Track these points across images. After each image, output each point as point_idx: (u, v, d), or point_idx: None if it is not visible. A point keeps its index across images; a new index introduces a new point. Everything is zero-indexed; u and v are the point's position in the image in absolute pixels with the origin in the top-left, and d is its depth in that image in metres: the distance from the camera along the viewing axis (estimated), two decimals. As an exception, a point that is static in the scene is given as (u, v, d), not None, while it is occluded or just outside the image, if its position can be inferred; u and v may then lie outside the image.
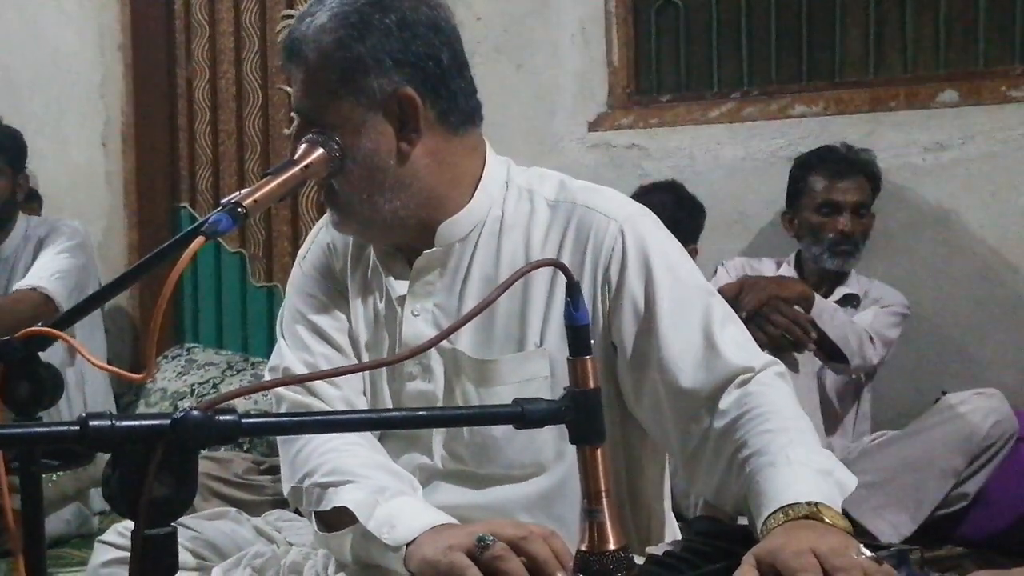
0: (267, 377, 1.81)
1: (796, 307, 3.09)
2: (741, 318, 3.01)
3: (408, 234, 1.68)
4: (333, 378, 1.70)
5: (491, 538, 1.38)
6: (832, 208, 3.40)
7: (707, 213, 3.83)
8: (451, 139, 1.66)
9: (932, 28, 3.80)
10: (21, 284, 3.70)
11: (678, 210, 3.50)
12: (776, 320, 3.03)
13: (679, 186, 3.76)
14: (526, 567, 1.36)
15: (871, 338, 3.22)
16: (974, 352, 3.66)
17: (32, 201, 4.32)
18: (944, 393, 3.54)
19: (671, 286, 1.62)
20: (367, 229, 1.69)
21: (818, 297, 3.17)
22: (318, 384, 1.70)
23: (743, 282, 3.16)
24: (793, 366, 3.09)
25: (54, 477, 3.53)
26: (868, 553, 1.25)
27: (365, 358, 1.74)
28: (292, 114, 1.69)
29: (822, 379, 3.31)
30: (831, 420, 3.33)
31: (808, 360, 3.13)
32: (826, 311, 3.15)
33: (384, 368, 1.72)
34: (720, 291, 3.11)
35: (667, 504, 1.79)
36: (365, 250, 1.76)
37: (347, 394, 1.71)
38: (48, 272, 3.73)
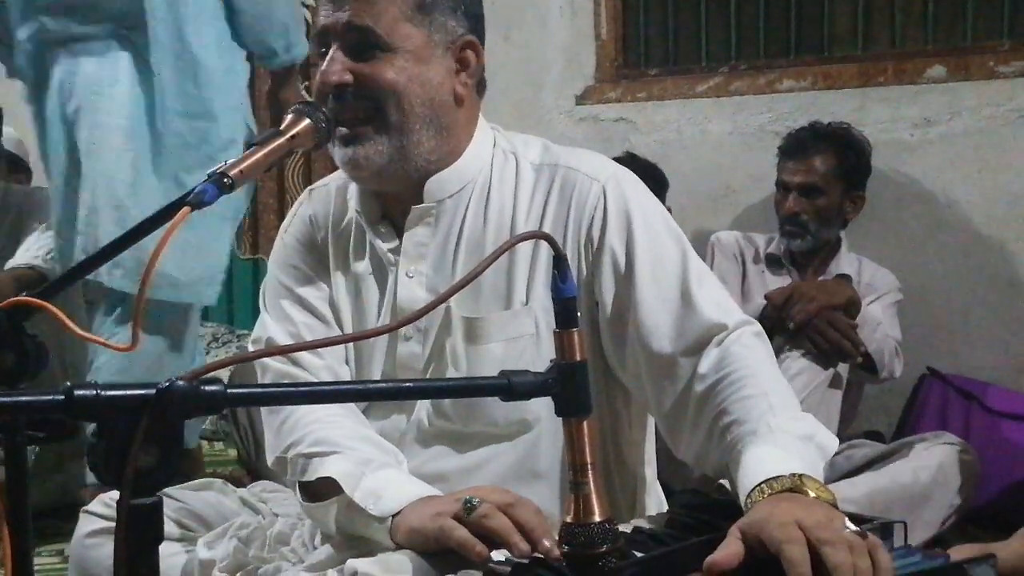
0: (250, 349, 1.81)
1: (844, 315, 3.08)
2: (789, 328, 3.03)
3: (404, 183, 1.68)
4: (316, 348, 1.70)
5: (477, 500, 1.40)
6: (784, 188, 3.42)
7: (694, 187, 3.83)
8: (476, 100, 1.71)
9: (921, 3, 3.80)
10: (15, 262, 3.67)
11: (643, 179, 3.48)
12: (828, 335, 3.04)
13: (635, 155, 3.76)
14: None
15: (897, 351, 3.22)
16: (959, 328, 3.67)
17: (20, 172, 4.29)
18: (929, 370, 3.56)
19: (650, 244, 1.64)
20: (391, 166, 1.65)
21: (864, 307, 3.16)
22: (301, 354, 1.71)
23: (793, 289, 3.14)
24: (838, 382, 3.10)
25: (37, 449, 3.53)
26: (853, 527, 1.26)
27: (347, 327, 1.74)
28: (328, 40, 1.66)
29: None
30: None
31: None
32: (868, 323, 3.14)
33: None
34: (768, 296, 3.15)
35: (650, 469, 1.81)
36: (347, 219, 1.77)
37: (330, 363, 1.72)
38: (44, 251, 3.70)
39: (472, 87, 1.69)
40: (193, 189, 1.33)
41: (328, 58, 1.62)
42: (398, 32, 1.60)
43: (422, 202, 1.69)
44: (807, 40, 3.95)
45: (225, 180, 1.36)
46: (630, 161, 3.69)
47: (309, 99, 1.62)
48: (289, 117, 1.54)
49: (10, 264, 3.69)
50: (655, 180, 3.70)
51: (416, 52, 1.61)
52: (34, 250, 3.71)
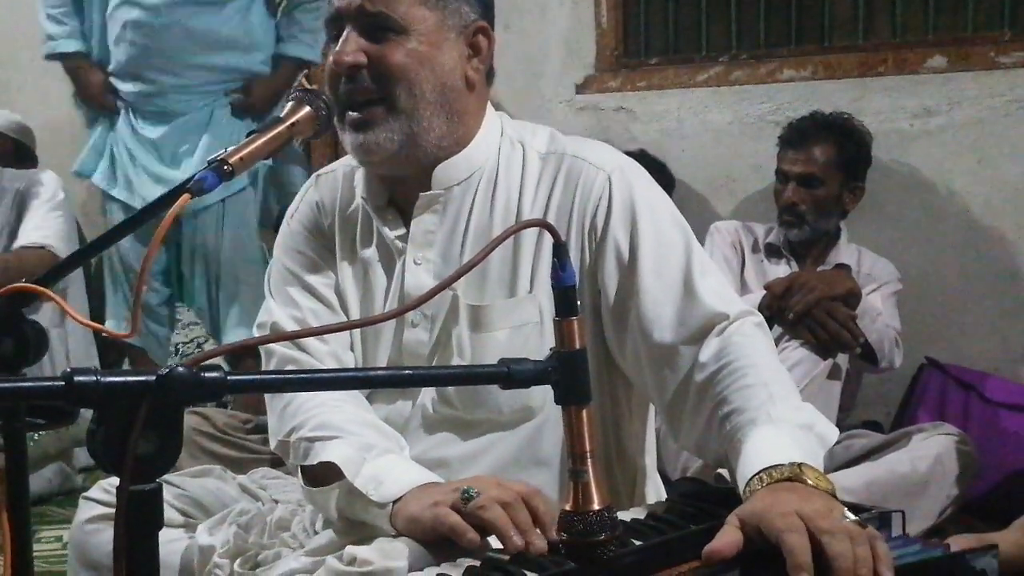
0: (255, 333, 1.81)
1: (843, 305, 3.08)
2: (788, 318, 3.03)
3: (414, 169, 1.69)
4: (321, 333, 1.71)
5: (475, 491, 1.40)
6: (783, 177, 3.41)
7: (694, 177, 3.82)
8: (486, 87, 1.72)
9: (921, -7, 3.79)
10: (26, 241, 3.67)
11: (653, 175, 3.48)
12: (828, 325, 3.03)
13: (646, 152, 3.76)
14: None
15: (897, 341, 3.22)
16: (958, 319, 3.67)
17: (26, 160, 4.27)
18: (927, 360, 3.56)
19: (654, 234, 1.64)
20: (402, 151, 1.65)
21: (863, 297, 3.15)
22: (306, 339, 1.71)
23: (793, 280, 3.13)
24: (837, 373, 3.10)
25: (36, 437, 3.53)
26: (852, 516, 1.26)
27: (353, 313, 1.75)
28: (341, 23, 1.67)
29: None
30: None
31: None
32: (868, 314, 3.13)
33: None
34: (767, 287, 3.14)
35: (650, 459, 1.81)
36: (354, 206, 1.77)
37: (334, 349, 1.73)
38: (52, 230, 3.71)
39: (483, 73, 1.69)
40: (194, 176, 1.33)
41: (342, 39, 1.62)
42: (412, 15, 1.61)
43: (430, 189, 1.69)
44: (807, 30, 3.94)
45: (225, 167, 1.37)
46: (640, 157, 3.67)
47: (309, 87, 1.61)
48: (289, 105, 1.54)
49: (20, 243, 3.68)
50: (663, 177, 3.69)
51: (429, 35, 1.62)
52: (44, 228, 3.71)
